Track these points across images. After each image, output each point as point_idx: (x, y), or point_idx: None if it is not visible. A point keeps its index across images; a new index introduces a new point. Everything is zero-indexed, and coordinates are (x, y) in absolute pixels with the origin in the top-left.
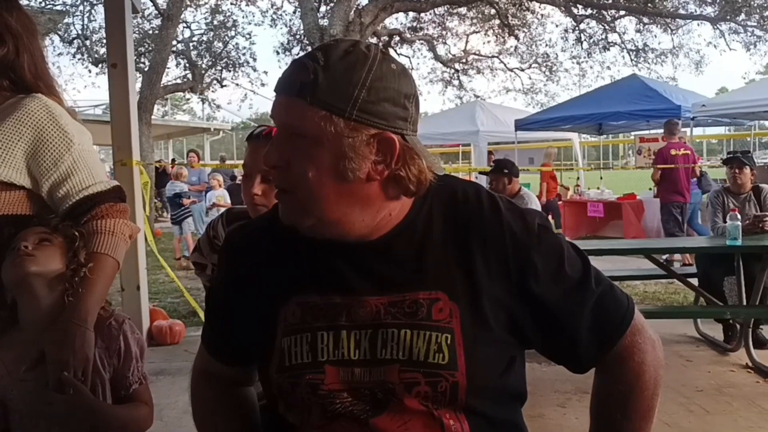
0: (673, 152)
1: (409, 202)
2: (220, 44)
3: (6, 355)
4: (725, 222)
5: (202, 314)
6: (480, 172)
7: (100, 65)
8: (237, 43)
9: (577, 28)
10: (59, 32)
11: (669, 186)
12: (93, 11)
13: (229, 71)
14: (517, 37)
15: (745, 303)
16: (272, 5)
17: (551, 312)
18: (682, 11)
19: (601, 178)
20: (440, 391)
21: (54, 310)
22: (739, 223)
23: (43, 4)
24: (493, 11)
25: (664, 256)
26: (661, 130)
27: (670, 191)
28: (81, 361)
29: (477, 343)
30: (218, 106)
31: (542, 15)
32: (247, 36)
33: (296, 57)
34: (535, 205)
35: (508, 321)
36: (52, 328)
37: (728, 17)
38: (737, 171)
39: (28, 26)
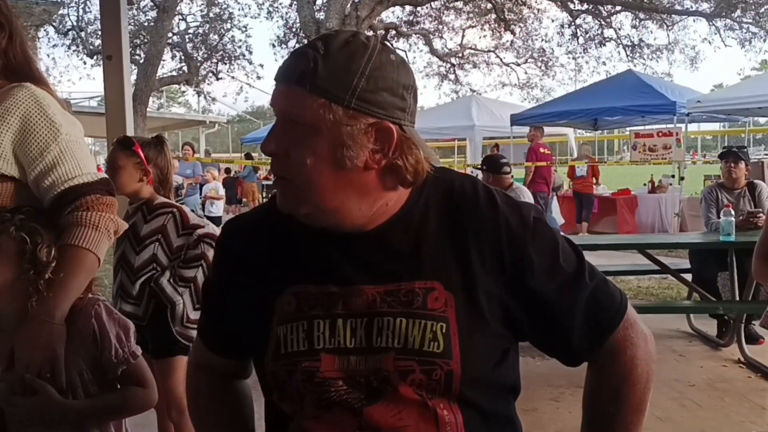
0: (541, 150)
1: (406, 193)
2: (216, 37)
3: None
4: (719, 218)
5: None
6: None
7: (95, 57)
8: (233, 36)
9: (573, 24)
10: (54, 24)
11: (538, 178)
12: (88, 2)
13: (225, 64)
14: (513, 32)
15: (737, 298)
16: None
17: (545, 305)
18: (677, 7)
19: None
20: (435, 380)
21: (22, 312)
22: (733, 218)
23: None
24: (489, 6)
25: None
26: (657, 126)
27: (538, 183)
28: (48, 359)
29: (472, 333)
30: (214, 99)
31: (538, 10)
32: (243, 29)
33: (296, 47)
34: (527, 199)
35: (502, 313)
36: (20, 327)
37: (724, 13)
38: (733, 165)
39: (10, 8)
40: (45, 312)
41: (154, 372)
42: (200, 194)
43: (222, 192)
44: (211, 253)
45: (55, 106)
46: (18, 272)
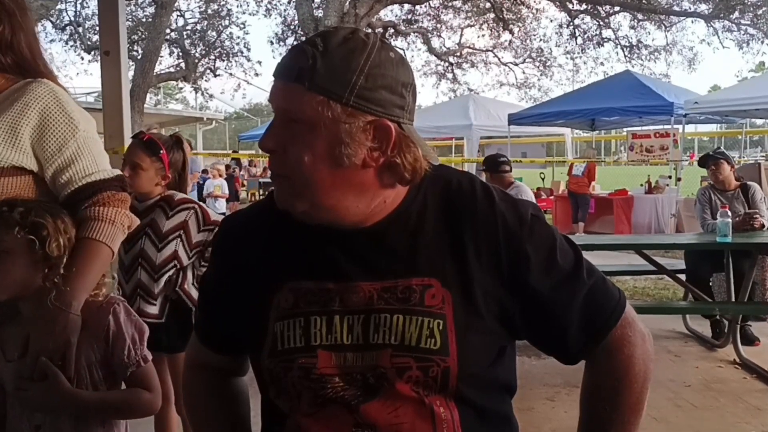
0: None
1: (403, 191)
2: (214, 33)
3: (3, 338)
4: (714, 218)
5: None
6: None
7: (92, 52)
8: (231, 33)
9: (571, 24)
10: (51, 18)
11: None
12: None
13: (223, 61)
14: (511, 32)
15: (733, 299)
16: None
17: (542, 302)
18: (676, 8)
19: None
20: (431, 377)
21: (38, 305)
22: (730, 220)
23: None
24: (488, 5)
25: None
26: (655, 127)
27: None
28: (61, 345)
29: (468, 330)
30: (211, 96)
31: (537, 10)
32: (241, 25)
33: (295, 43)
34: (527, 197)
35: (499, 310)
36: (36, 312)
37: (722, 15)
38: (715, 167)
39: (19, 3)
40: (61, 300)
41: (166, 368)
42: (197, 191)
43: (226, 189)
44: None
45: (73, 104)
46: (32, 270)
